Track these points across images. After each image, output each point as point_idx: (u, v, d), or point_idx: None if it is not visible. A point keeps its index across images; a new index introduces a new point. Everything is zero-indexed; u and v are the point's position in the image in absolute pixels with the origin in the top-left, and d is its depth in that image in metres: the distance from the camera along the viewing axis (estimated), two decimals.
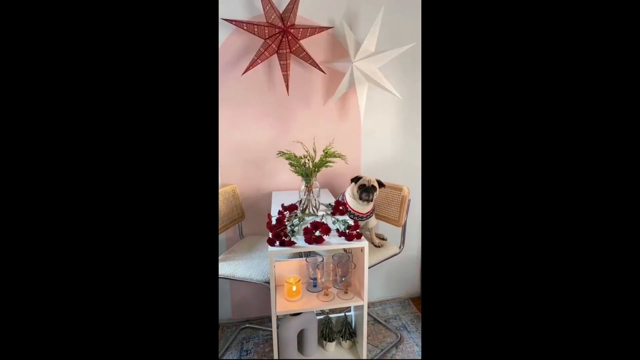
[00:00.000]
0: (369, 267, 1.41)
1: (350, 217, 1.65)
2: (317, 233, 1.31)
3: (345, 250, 1.58)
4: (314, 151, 1.60)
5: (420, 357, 1.79)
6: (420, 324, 2.05)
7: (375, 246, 1.76)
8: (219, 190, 1.79)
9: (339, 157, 1.57)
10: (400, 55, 1.79)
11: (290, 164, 1.59)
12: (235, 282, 1.73)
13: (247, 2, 1.76)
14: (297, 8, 1.68)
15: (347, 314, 1.79)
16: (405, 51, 1.76)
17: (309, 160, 1.58)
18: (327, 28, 1.80)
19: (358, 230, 1.36)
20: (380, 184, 1.69)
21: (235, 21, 1.71)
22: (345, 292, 1.47)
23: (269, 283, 1.40)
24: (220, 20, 1.71)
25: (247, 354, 1.83)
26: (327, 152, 1.58)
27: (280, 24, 1.69)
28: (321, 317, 1.75)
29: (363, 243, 1.33)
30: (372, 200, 1.66)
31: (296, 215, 1.52)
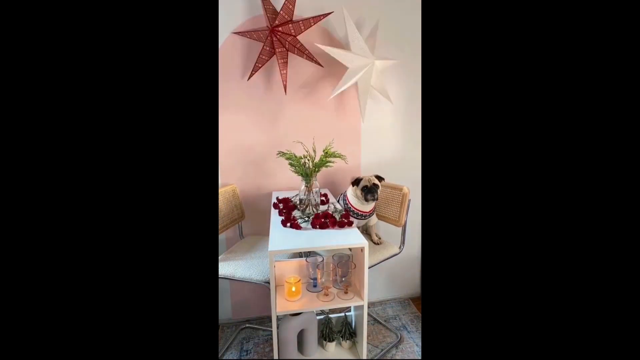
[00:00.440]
0: (369, 267, 1.41)
1: (354, 216, 1.67)
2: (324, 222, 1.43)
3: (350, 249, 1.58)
4: (314, 151, 1.60)
5: (420, 357, 1.79)
6: (420, 324, 2.05)
7: (375, 243, 1.78)
8: (219, 190, 1.79)
9: (339, 157, 1.57)
10: (401, 54, 1.79)
11: (290, 164, 1.59)
12: (235, 282, 1.73)
13: (247, 1, 1.76)
14: (291, 5, 1.68)
15: (347, 314, 1.79)
16: (405, 51, 1.76)
17: (309, 160, 1.58)
18: (322, 17, 1.70)
19: (349, 219, 1.49)
20: (380, 179, 1.71)
21: (238, 33, 1.73)
22: (345, 292, 1.46)
23: (269, 283, 1.40)
24: (219, 24, 1.72)
25: (247, 354, 1.83)
26: (327, 152, 1.58)
27: (269, 25, 1.69)
28: (321, 317, 1.75)
29: (363, 243, 1.33)
30: (377, 199, 1.69)
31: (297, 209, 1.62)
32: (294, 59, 1.84)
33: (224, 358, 1.80)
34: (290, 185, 1.99)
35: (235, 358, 1.80)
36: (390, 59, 1.86)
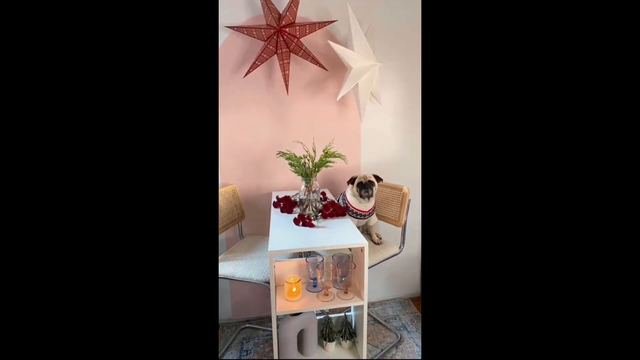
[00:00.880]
0: (369, 267, 1.41)
1: (353, 216, 1.67)
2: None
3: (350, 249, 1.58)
4: (314, 151, 1.60)
5: (420, 357, 1.79)
6: (420, 324, 2.05)
7: (375, 243, 1.78)
8: (219, 190, 1.79)
9: (339, 157, 1.57)
10: (400, 56, 1.79)
11: (290, 164, 1.59)
12: (235, 282, 1.73)
13: (248, 1, 1.76)
14: (295, 7, 1.68)
15: (347, 314, 1.79)
16: (406, 51, 1.76)
17: (309, 160, 1.58)
18: (327, 23, 1.75)
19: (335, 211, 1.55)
20: (378, 179, 1.71)
21: (236, 27, 1.71)
22: (345, 292, 1.46)
23: (269, 283, 1.40)
24: (220, 23, 1.72)
25: (247, 354, 1.83)
26: (327, 152, 1.58)
27: (276, 25, 1.69)
28: (321, 317, 1.75)
29: (363, 243, 1.33)
30: (372, 196, 1.67)
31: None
32: (294, 60, 1.84)
33: (224, 358, 1.80)
34: (290, 185, 1.99)
35: (235, 358, 1.80)
36: (389, 60, 1.86)
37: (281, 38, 1.71)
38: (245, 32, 1.72)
